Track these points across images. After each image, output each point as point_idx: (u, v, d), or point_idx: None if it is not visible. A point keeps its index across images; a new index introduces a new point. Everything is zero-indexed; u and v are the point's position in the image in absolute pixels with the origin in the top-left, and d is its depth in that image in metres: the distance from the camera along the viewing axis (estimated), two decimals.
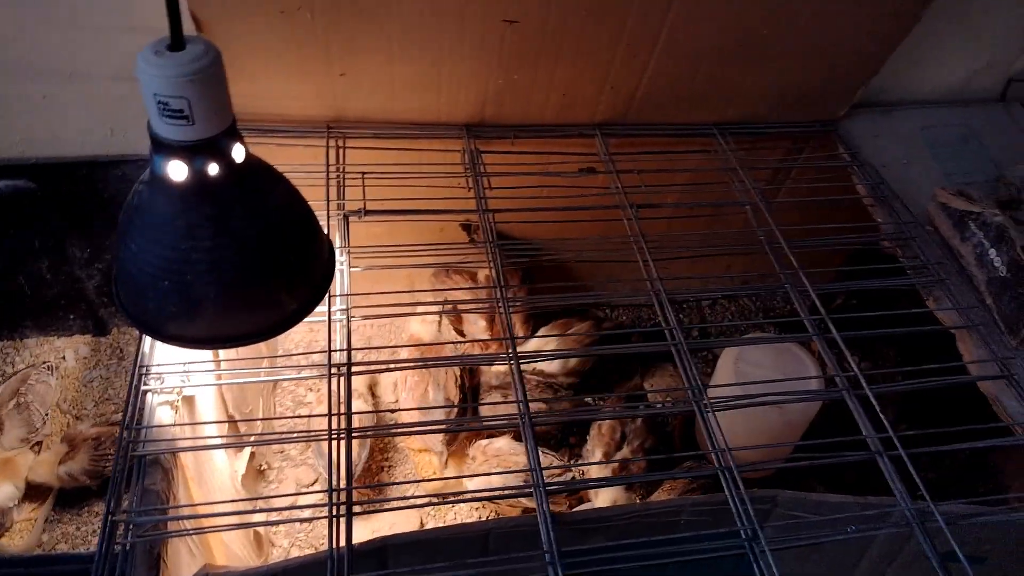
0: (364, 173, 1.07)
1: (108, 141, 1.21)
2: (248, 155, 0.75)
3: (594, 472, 1.16)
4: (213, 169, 0.71)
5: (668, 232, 1.14)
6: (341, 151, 1.11)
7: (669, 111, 1.18)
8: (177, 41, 0.67)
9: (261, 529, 1.18)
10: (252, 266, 0.76)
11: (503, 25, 0.97)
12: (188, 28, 0.91)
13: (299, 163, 1.08)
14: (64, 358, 1.48)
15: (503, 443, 1.17)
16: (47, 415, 1.28)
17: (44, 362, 1.40)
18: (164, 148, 0.69)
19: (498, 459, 1.14)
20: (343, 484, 0.75)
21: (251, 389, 1.22)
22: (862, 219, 1.14)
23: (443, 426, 1.14)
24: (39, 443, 1.29)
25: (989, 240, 1.02)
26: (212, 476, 0.99)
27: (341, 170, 1.07)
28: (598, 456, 1.15)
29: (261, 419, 1.27)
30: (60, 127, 1.18)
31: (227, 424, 1.11)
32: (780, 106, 1.21)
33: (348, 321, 0.90)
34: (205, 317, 0.77)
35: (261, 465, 1.32)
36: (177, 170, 0.70)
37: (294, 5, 0.91)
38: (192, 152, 0.69)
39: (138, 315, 0.79)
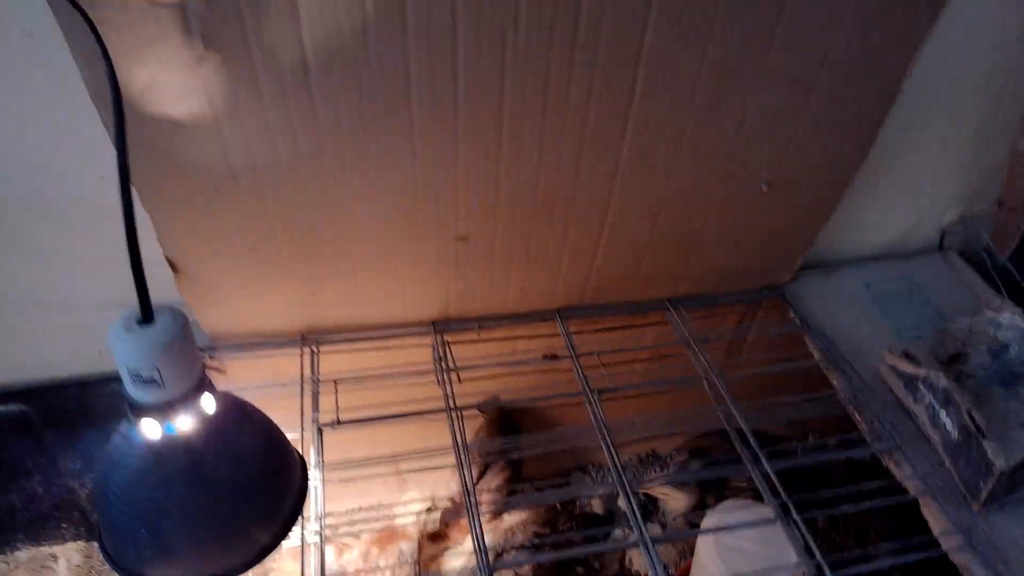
0: (336, 380, 1.12)
1: (97, 361, 1.27)
2: (219, 398, 0.80)
3: None
4: (184, 424, 0.76)
5: (635, 414, 1.18)
6: (316, 357, 1.17)
7: (622, 291, 1.25)
8: (147, 313, 0.73)
9: None
10: (224, 510, 0.80)
11: (456, 241, 1.06)
12: (164, 270, 0.99)
13: (275, 375, 1.14)
14: (56, 568, 1.49)
15: None
16: None
17: (50, 553, 1.40)
18: (137, 410, 0.75)
19: None
20: None
21: None
22: (820, 384, 1.19)
23: None
24: None
25: (938, 402, 1.06)
26: None
27: (316, 379, 1.13)
28: None
29: None
30: (51, 352, 1.25)
31: None
32: (727, 279, 1.28)
33: (322, 544, 0.93)
34: (181, 560, 0.80)
35: None
36: (150, 428, 0.75)
37: (261, 241, 0.99)
38: (163, 411, 0.75)
39: (120, 561, 0.82)
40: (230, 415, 0.83)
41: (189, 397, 0.76)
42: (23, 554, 1.49)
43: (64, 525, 1.49)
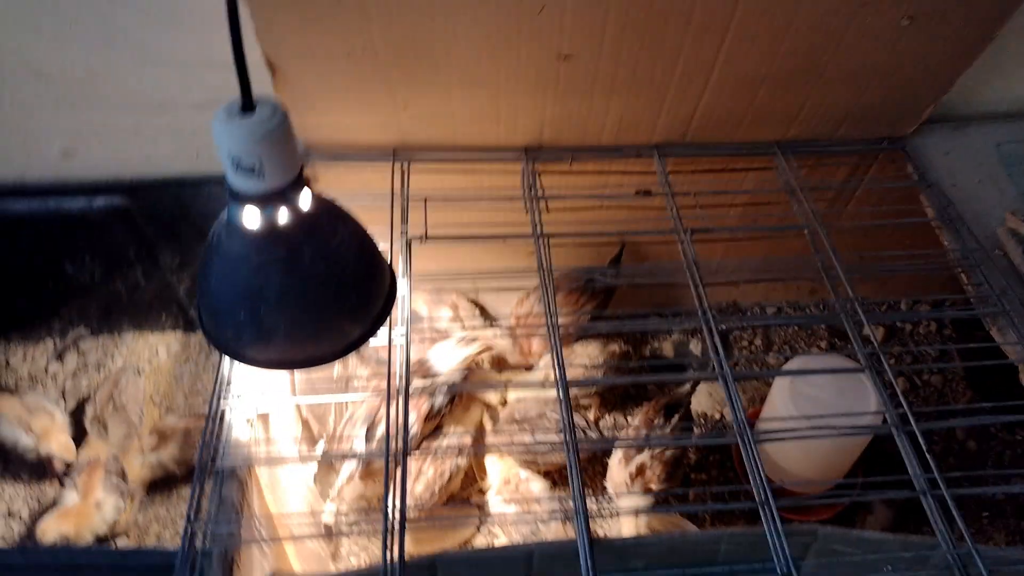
0: (426, 199, 1.12)
1: (194, 162, 1.30)
2: (315, 198, 0.81)
3: (616, 479, 1.18)
4: (283, 216, 0.77)
5: (723, 258, 1.15)
6: (405, 175, 1.16)
7: (728, 131, 1.18)
8: (247, 104, 0.72)
9: (331, 522, 1.26)
10: (318, 301, 0.83)
11: (558, 60, 1.00)
12: (263, 71, 0.98)
13: (365, 188, 1.14)
14: (157, 353, 1.61)
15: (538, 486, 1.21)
16: (142, 413, 1.40)
17: (133, 366, 1.52)
18: (238, 198, 0.76)
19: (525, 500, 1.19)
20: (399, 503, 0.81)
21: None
22: (927, 243, 1.12)
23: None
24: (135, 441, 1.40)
25: None
26: (285, 478, 1.08)
27: (405, 195, 1.12)
28: (619, 456, 1.17)
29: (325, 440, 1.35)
30: (151, 151, 1.28)
31: (300, 429, 1.19)
32: (845, 124, 1.19)
33: (408, 347, 0.96)
34: (276, 344, 0.84)
35: (333, 461, 1.40)
36: (250, 218, 0.77)
37: (359, 48, 0.96)
38: (263, 202, 0.76)
39: (219, 340, 0.87)
40: (325, 214, 0.84)
41: (288, 191, 0.76)
42: (128, 336, 1.61)
43: (164, 316, 1.59)
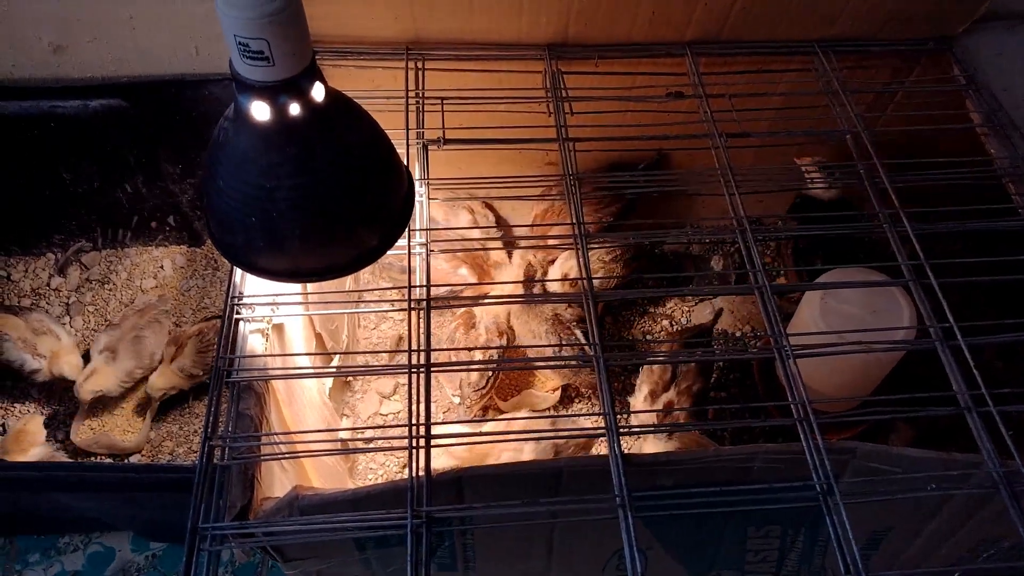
0: (443, 99, 1.05)
1: (193, 60, 1.22)
2: (329, 92, 0.75)
3: (642, 417, 1.16)
4: (295, 109, 0.71)
5: (759, 164, 1.09)
6: (420, 73, 1.09)
7: (767, 27, 1.10)
8: None
9: (348, 438, 1.25)
10: (333, 204, 0.77)
11: None
12: None
13: (378, 87, 1.07)
14: (162, 267, 1.56)
15: None
16: (159, 357, 1.35)
17: (165, 309, 1.46)
18: (246, 88, 0.70)
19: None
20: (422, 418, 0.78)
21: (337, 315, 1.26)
22: (974, 151, 1.06)
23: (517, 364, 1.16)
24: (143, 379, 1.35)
25: None
26: (302, 393, 1.05)
27: (420, 95, 1.05)
28: (644, 392, 1.14)
29: (342, 353, 1.32)
30: (148, 46, 1.20)
31: (315, 345, 1.16)
32: (891, 22, 1.10)
33: (428, 255, 0.91)
34: (290, 252, 0.79)
35: (348, 377, 1.38)
36: (260, 110, 0.71)
37: None
38: (274, 92, 0.70)
39: (229, 249, 0.82)
40: (340, 110, 0.78)
41: (300, 81, 0.70)
42: (132, 250, 1.56)
43: (168, 228, 1.54)
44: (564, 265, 1.32)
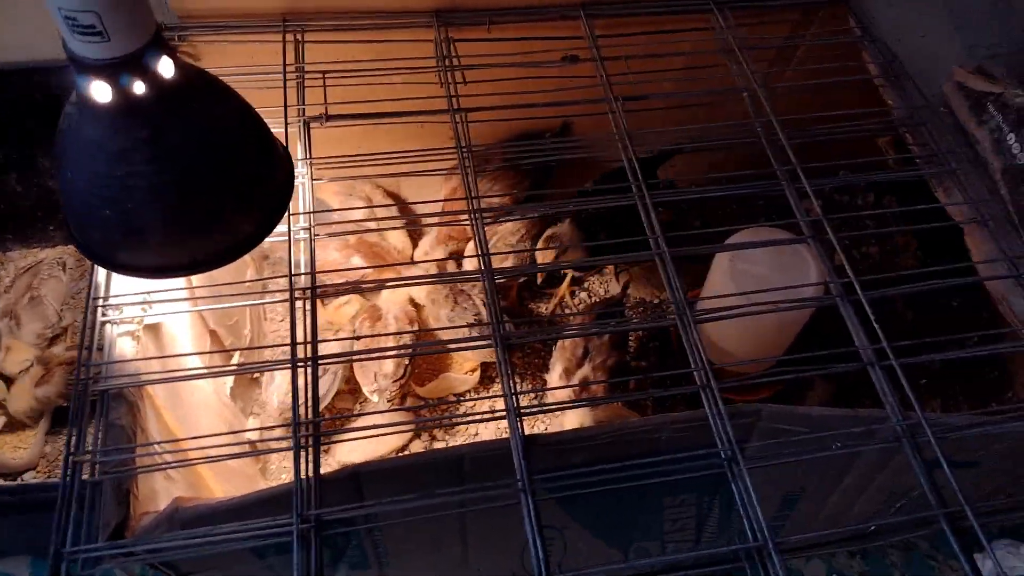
0: (325, 72, 0.99)
1: (58, 45, 1.12)
2: (181, 67, 0.68)
3: (559, 395, 1.13)
4: (139, 88, 0.64)
5: (658, 127, 1.06)
6: (300, 47, 1.02)
7: None
8: None
9: (255, 438, 1.18)
10: (195, 189, 0.70)
11: None
12: None
13: (257, 63, 1.00)
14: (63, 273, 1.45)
15: None
16: (62, 309, 1.27)
17: (57, 258, 1.37)
18: (83, 68, 0.63)
19: None
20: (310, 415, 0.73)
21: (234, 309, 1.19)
22: (872, 103, 1.05)
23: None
24: (56, 336, 1.29)
25: (1008, 124, 0.93)
26: (191, 395, 0.98)
27: (300, 70, 0.99)
28: (559, 371, 1.12)
29: (232, 348, 1.25)
30: (11, 33, 1.10)
31: (208, 343, 1.09)
32: None
33: (312, 240, 0.85)
34: (153, 245, 0.73)
35: (254, 373, 1.31)
36: (100, 91, 0.64)
37: None
38: (113, 70, 0.63)
39: (87, 245, 0.75)
40: (197, 88, 0.71)
41: (141, 56, 0.64)
42: (15, 253, 1.45)
43: (51, 227, 1.43)
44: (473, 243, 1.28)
